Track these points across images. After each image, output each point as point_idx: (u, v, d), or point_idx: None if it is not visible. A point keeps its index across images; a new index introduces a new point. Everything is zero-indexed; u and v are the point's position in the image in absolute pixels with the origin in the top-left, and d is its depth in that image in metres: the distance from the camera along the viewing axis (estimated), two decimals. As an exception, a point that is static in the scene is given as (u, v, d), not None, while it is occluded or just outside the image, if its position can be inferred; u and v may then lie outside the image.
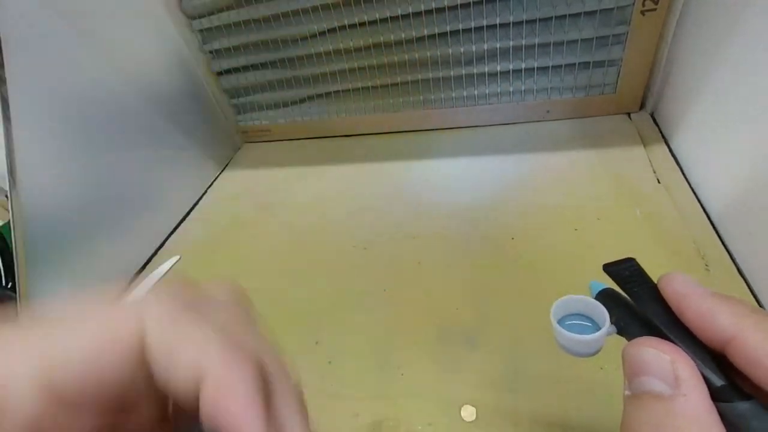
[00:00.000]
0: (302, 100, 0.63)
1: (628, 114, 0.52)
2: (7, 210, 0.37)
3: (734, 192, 0.35)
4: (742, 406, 0.13)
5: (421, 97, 0.57)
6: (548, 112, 0.54)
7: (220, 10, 0.56)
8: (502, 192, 0.47)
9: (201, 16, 0.57)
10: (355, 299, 0.40)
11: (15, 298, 0.38)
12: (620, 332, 0.16)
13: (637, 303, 0.16)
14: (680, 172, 0.42)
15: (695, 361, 0.14)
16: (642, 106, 0.52)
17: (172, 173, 0.57)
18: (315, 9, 0.52)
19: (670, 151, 0.45)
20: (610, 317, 0.17)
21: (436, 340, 0.34)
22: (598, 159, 0.47)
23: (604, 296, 0.18)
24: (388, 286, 0.40)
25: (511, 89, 0.53)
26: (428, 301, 0.37)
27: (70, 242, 0.43)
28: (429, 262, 0.41)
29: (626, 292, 0.17)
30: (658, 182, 0.42)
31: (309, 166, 0.60)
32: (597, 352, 0.17)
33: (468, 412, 0.29)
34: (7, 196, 0.37)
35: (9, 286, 0.50)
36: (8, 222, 0.37)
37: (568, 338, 0.17)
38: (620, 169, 0.45)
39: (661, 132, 0.48)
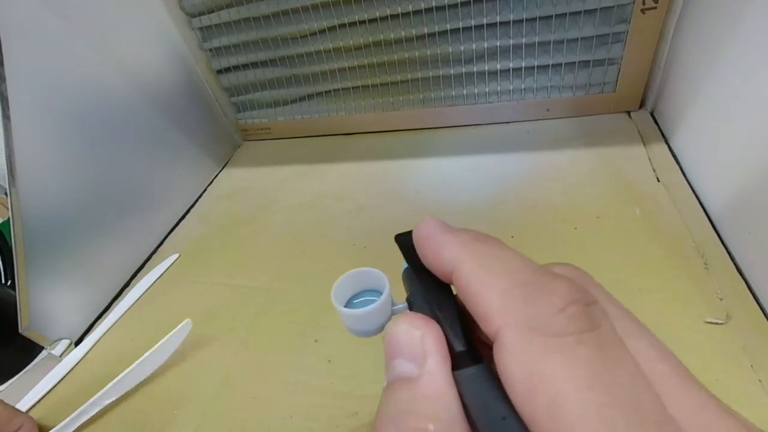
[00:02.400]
0: (302, 99, 0.63)
1: (628, 112, 0.52)
2: (7, 208, 0.37)
3: (734, 191, 0.35)
4: (465, 373, 0.11)
5: (421, 96, 0.57)
6: (548, 110, 0.54)
7: (220, 8, 0.55)
8: (501, 190, 0.47)
9: (201, 14, 0.57)
10: (354, 297, 0.40)
11: (14, 296, 0.38)
12: (411, 310, 0.15)
13: (412, 271, 0.15)
14: (680, 171, 0.42)
15: (444, 327, 0.12)
16: (642, 105, 0.52)
17: (171, 171, 0.57)
18: (315, 7, 0.52)
19: (670, 149, 0.45)
20: (407, 297, 0.15)
21: (436, 339, 0.34)
22: (598, 158, 0.47)
23: (404, 275, 0.16)
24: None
25: (510, 88, 0.53)
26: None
27: (69, 240, 0.43)
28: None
29: (407, 261, 0.15)
30: (658, 181, 0.42)
31: (308, 165, 0.59)
32: (382, 329, 0.16)
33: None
34: (6, 194, 0.37)
35: (8, 283, 0.50)
36: (8, 220, 0.37)
37: (344, 314, 0.16)
38: (620, 168, 0.45)
39: (660, 131, 0.48)
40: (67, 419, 0.33)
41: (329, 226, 0.49)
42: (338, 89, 0.60)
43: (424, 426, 0.11)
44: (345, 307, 0.16)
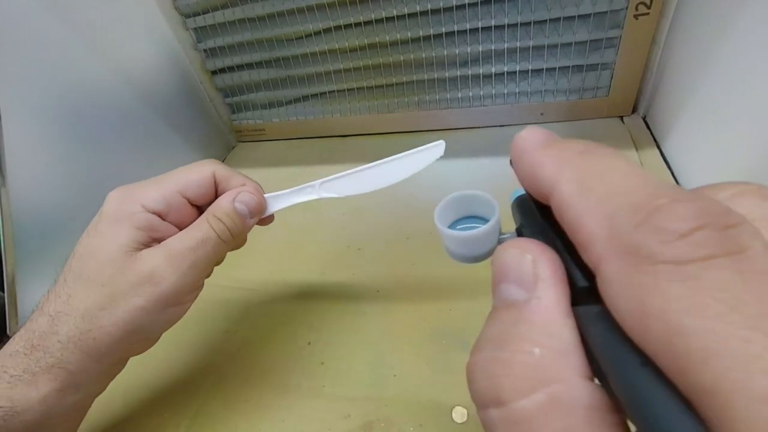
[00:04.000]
0: (297, 100, 0.63)
1: (621, 117, 0.53)
2: (-4, 208, 0.37)
3: (724, 195, 0.35)
4: (591, 310, 0.10)
5: (416, 98, 0.57)
6: (542, 114, 0.55)
7: (215, 9, 0.55)
8: (495, 193, 0.46)
9: (195, 14, 0.57)
10: (348, 300, 0.39)
11: (2, 297, 0.37)
12: None
13: (529, 197, 0.13)
14: (671, 176, 0.43)
15: (564, 258, 0.11)
16: (634, 110, 0.52)
17: (164, 171, 0.56)
18: (310, 8, 0.52)
19: (662, 154, 0.46)
20: (517, 227, 0.14)
21: (429, 342, 0.34)
22: (591, 161, 0.47)
23: (517, 203, 0.15)
24: (382, 287, 0.40)
25: (505, 91, 0.53)
26: (421, 302, 0.37)
27: (59, 240, 0.42)
28: (422, 263, 0.41)
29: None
30: (650, 185, 0.43)
31: (303, 166, 0.59)
32: (489, 254, 0.14)
33: (459, 414, 0.29)
34: (-4, 194, 0.37)
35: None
36: (-3, 220, 0.37)
37: (447, 236, 0.15)
38: (613, 172, 0.45)
39: (652, 135, 0.49)
40: (285, 191, 0.31)
41: (323, 228, 0.49)
42: (333, 91, 0.60)
43: (528, 349, 0.09)
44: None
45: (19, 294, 0.38)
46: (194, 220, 0.27)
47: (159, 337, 0.29)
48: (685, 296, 0.07)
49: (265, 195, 0.30)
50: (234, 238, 0.28)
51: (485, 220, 0.15)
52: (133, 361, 0.38)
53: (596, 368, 0.10)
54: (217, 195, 0.29)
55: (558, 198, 0.10)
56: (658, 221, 0.08)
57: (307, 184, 0.30)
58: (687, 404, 0.07)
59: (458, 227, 0.16)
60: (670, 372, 0.08)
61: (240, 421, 0.32)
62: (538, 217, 0.13)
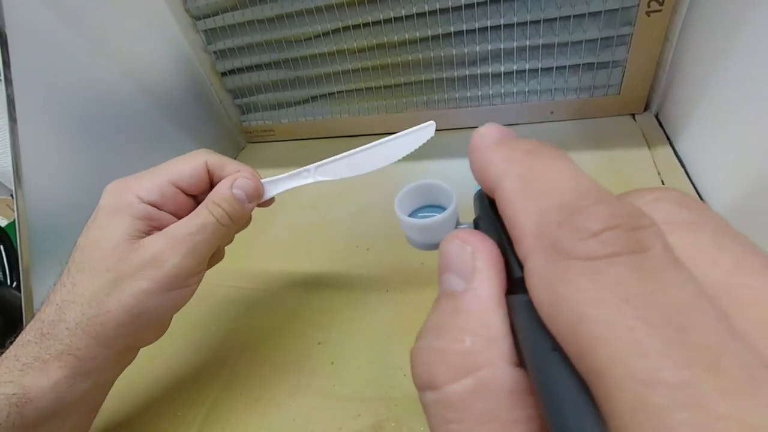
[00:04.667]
0: (306, 101, 0.64)
1: (633, 115, 0.52)
2: (13, 210, 0.37)
3: (739, 194, 0.35)
4: (519, 299, 0.10)
5: (425, 98, 0.57)
6: (552, 113, 0.54)
7: (225, 11, 0.56)
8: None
9: (205, 17, 0.57)
10: (357, 300, 0.40)
11: (19, 298, 0.38)
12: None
13: (484, 191, 0.14)
14: (685, 174, 0.42)
15: (506, 251, 0.12)
16: (646, 108, 0.51)
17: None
18: (319, 9, 0.52)
19: (675, 152, 0.45)
20: (475, 218, 0.15)
21: (439, 342, 0.34)
22: (603, 160, 0.47)
23: (477, 196, 0.15)
24: (391, 286, 0.40)
25: (515, 90, 0.53)
26: (431, 302, 0.37)
27: (72, 240, 0.43)
28: (432, 263, 0.41)
29: None
30: (663, 183, 0.42)
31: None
32: None
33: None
34: (12, 196, 0.37)
35: (14, 285, 0.50)
36: (14, 221, 0.38)
37: (405, 223, 0.15)
38: (624, 171, 0.45)
39: (665, 133, 0.48)
40: (282, 176, 0.31)
41: (331, 227, 0.49)
42: (342, 91, 0.60)
43: (461, 338, 0.10)
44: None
45: (34, 292, 0.38)
46: (191, 210, 0.28)
47: (166, 325, 0.30)
48: (588, 288, 0.08)
49: (263, 180, 0.31)
50: (234, 223, 0.29)
51: (445, 210, 0.16)
52: (146, 360, 0.38)
53: (521, 355, 0.10)
54: (212, 183, 0.29)
55: (500, 194, 0.11)
56: (576, 220, 0.09)
57: (303, 168, 0.30)
58: (583, 386, 0.08)
59: (419, 215, 0.17)
60: (572, 356, 0.08)
61: (251, 419, 0.33)
62: (491, 211, 0.13)
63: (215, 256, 0.33)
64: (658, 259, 0.08)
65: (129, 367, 0.30)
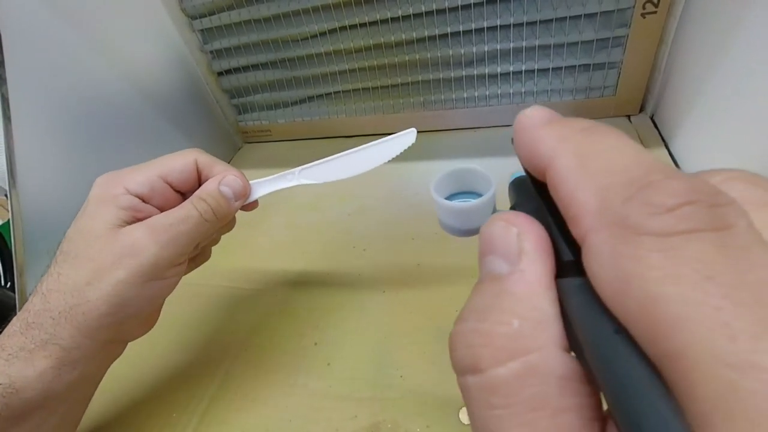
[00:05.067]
0: (302, 101, 0.63)
1: (628, 117, 0.52)
2: (7, 210, 0.37)
3: (734, 195, 0.35)
4: (571, 282, 0.10)
5: (422, 99, 0.57)
6: (548, 114, 0.54)
7: (221, 10, 0.56)
8: (502, 193, 0.46)
9: (201, 16, 0.57)
10: (354, 300, 0.40)
11: (13, 298, 0.38)
12: None
13: (527, 173, 0.13)
14: (680, 175, 0.42)
15: (553, 233, 0.11)
16: (642, 109, 0.52)
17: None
18: (316, 9, 0.52)
19: (670, 154, 0.45)
20: (511, 206, 0.14)
21: (435, 342, 0.34)
22: (598, 161, 0.47)
23: (513, 184, 0.15)
24: (387, 287, 0.40)
25: (511, 91, 0.53)
26: (427, 303, 0.37)
27: (69, 242, 0.43)
28: (428, 263, 0.41)
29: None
30: (658, 185, 0.42)
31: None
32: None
33: (467, 415, 0.29)
34: (6, 196, 0.37)
35: (8, 285, 0.50)
36: (8, 222, 0.37)
37: (442, 207, 0.15)
38: (620, 172, 0.45)
39: (660, 135, 0.48)
40: (267, 178, 0.31)
41: (328, 228, 0.49)
42: (339, 92, 0.60)
43: (508, 321, 0.10)
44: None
45: (28, 292, 0.38)
46: (178, 205, 0.28)
47: (153, 320, 0.30)
48: (664, 266, 0.08)
49: (250, 182, 0.31)
50: (218, 219, 0.28)
51: (481, 196, 0.16)
52: (141, 360, 0.38)
53: (574, 340, 0.10)
54: (200, 182, 0.30)
55: (554, 172, 0.11)
56: (648, 195, 0.08)
57: (288, 171, 0.31)
58: (653, 369, 0.08)
59: (455, 201, 0.17)
60: (641, 338, 0.08)
61: (247, 420, 0.33)
62: (533, 195, 0.13)
63: (201, 256, 0.33)
64: (743, 237, 0.08)
65: (124, 367, 0.30)
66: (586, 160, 0.10)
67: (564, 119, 0.12)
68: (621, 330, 0.08)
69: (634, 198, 0.09)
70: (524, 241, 0.11)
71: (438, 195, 0.16)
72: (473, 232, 0.15)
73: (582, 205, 0.10)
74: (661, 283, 0.08)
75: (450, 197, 0.17)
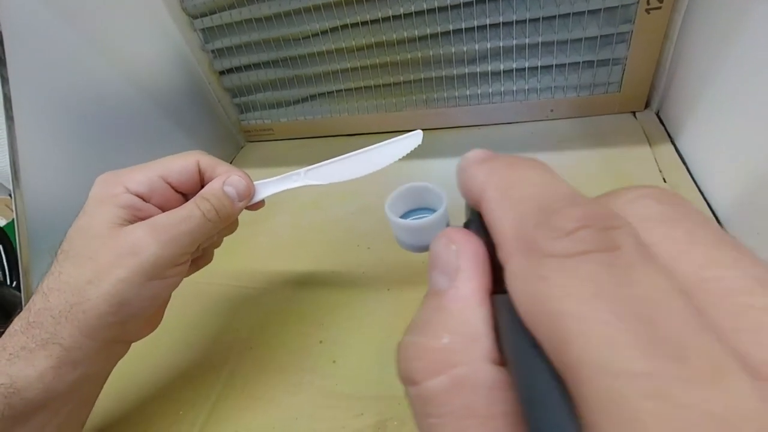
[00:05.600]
0: (304, 100, 0.63)
1: (633, 113, 0.52)
2: (11, 209, 0.37)
3: (741, 191, 0.35)
4: (502, 297, 0.11)
5: (424, 96, 0.57)
6: (552, 111, 0.54)
7: (222, 9, 0.55)
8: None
9: (203, 15, 0.57)
10: (359, 298, 0.39)
11: (19, 297, 0.38)
12: None
13: None
14: (686, 171, 0.42)
15: (490, 249, 0.12)
16: (647, 105, 0.52)
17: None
18: (317, 8, 0.52)
19: (676, 150, 0.45)
20: (465, 222, 0.15)
21: (441, 340, 0.34)
22: (603, 158, 0.47)
23: (467, 203, 0.15)
24: (392, 285, 0.40)
25: (514, 88, 0.53)
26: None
27: (73, 241, 0.43)
28: (433, 262, 0.41)
29: None
30: (664, 181, 0.42)
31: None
32: None
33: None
34: (11, 196, 0.37)
35: (13, 285, 0.50)
36: (12, 221, 0.37)
37: (396, 225, 0.16)
38: (626, 169, 0.45)
39: (666, 131, 0.48)
40: (272, 178, 0.31)
41: (332, 227, 0.49)
42: (341, 90, 0.60)
43: (440, 335, 0.11)
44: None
45: (33, 291, 0.38)
46: (179, 206, 0.28)
47: (156, 320, 0.30)
48: (563, 285, 0.09)
49: (254, 182, 0.31)
50: (221, 220, 0.28)
51: (433, 211, 0.16)
52: (148, 359, 0.38)
53: (503, 352, 0.11)
54: (202, 183, 0.29)
55: (484, 204, 0.12)
56: (553, 221, 0.10)
57: (293, 171, 0.31)
58: (560, 382, 0.08)
59: (411, 218, 0.17)
60: (549, 352, 0.09)
61: (253, 418, 0.33)
62: (480, 219, 0.14)
63: (203, 258, 0.33)
64: (628, 256, 0.09)
65: (130, 365, 0.30)
66: (507, 191, 0.11)
67: (494, 156, 0.13)
68: (536, 344, 0.09)
69: (542, 224, 0.10)
70: (460, 258, 0.12)
71: (392, 213, 0.17)
72: (427, 248, 0.15)
73: (502, 231, 0.11)
74: (560, 300, 0.09)
75: (407, 214, 0.18)
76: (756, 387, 0.07)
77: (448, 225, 0.16)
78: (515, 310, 0.10)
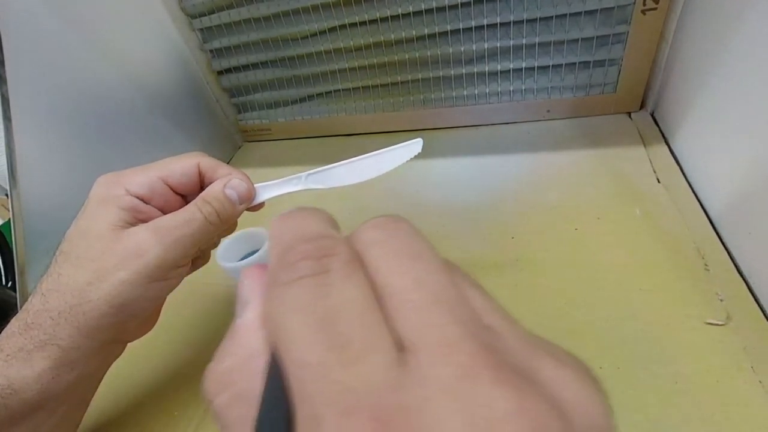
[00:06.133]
0: (302, 99, 0.63)
1: (629, 113, 0.52)
2: (8, 209, 0.37)
3: (734, 191, 0.35)
4: None
5: (422, 97, 0.57)
6: (548, 111, 0.54)
7: (221, 9, 0.56)
8: (501, 191, 0.47)
9: (201, 15, 0.57)
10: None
11: (14, 298, 0.38)
12: None
13: None
14: (680, 172, 0.42)
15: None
16: (642, 106, 0.52)
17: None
18: (315, 8, 0.52)
19: (671, 150, 0.45)
20: None
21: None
22: (599, 158, 0.47)
23: None
24: (388, 285, 0.40)
25: (511, 88, 0.53)
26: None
27: (70, 241, 0.43)
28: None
29: None
30: (658, 182, 0.42)
31: (309, 166, 0.59)
32: None
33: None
34: (7, 195, 0.37)
35: (9, 285, 0.50)
36: (9, 221, 0.38)
37: (225, 269, 0.17)
38: (620, 169, 0.45)
39: (661, 131, 0.48)
40: (273, 181, 0.32)
41: (330, 226, 0.49)
42: (339, 90, 0.60)
43: (223, 359, 0.13)
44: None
45: (29, 292, 0.38)
46: (179, 208, 0.28)
47: (153, 320, 0.30)
48: (279, 304, 0.11)
49: (255, 185, 0.31)
50: (222, 222, 0.29)
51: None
52: (143, 359, 0.38)
53: None
54: (203, 185, 0.29)
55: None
56: (285, 257, 0.12)
57: (295, 175, 0.31)
58: (285, 387, 0.10)
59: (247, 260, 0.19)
60: (276, 353, 0.11)
61: (249, 419, 0.33)
62: None
63: (200, 259, 0.33)
64: (333, 276, 0.11)
65: (126, 365, 0.30)
66: (274, 239, 0.14)
67: (285, 213, 0.15)
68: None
69: (280, 260, 0.12)
70: (251, 292, 0.14)
71: (222, 260, 0.19)
72: None
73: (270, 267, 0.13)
74: (276, 317, 0.11)
75: (245, 257, 0.20)
76: (393, 359, 0.10)
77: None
78: None
